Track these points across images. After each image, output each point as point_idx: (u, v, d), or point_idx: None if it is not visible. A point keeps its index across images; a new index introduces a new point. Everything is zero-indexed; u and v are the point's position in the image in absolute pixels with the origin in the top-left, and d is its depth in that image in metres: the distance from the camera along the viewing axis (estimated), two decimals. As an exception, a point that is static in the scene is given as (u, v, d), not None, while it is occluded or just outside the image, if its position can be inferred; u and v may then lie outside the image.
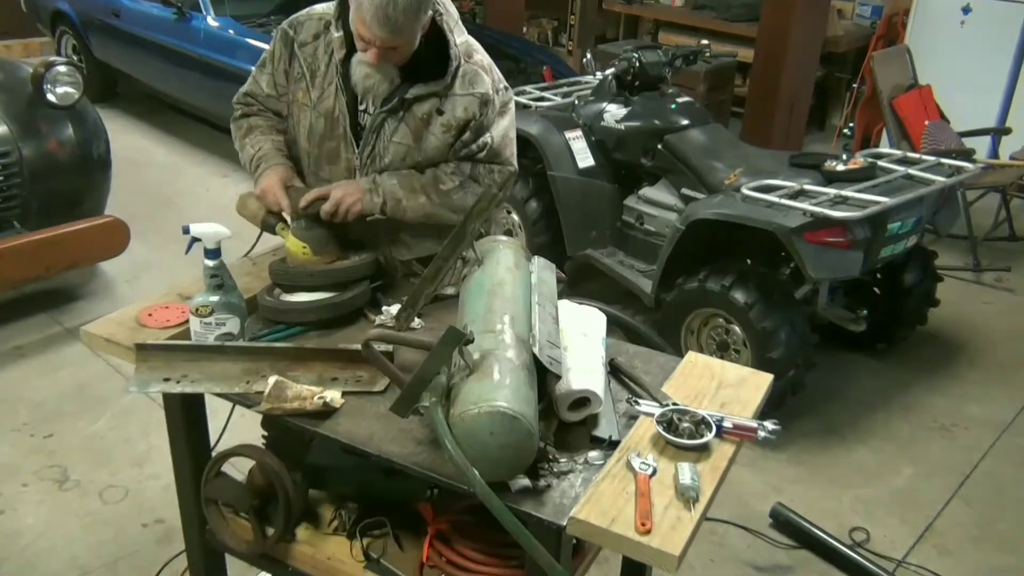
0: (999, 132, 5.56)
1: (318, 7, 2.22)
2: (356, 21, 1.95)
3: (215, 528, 2.02)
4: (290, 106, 2.23)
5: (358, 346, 1.64)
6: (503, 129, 2.22)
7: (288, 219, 2.12)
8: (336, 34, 2.11)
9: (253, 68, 2.33)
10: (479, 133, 2.16)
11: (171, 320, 1.97)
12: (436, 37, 2.09)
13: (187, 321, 1.91)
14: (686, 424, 1.66)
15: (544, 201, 4.18)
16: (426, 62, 2.09)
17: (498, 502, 1.42)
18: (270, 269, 2.10)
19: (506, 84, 2.24)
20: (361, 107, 2.16)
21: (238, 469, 2.08)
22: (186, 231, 1.92)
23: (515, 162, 2.27)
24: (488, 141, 2.18)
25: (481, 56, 2.18)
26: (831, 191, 3.26)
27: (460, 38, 2.13)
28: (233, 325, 1.86)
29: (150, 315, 1.99)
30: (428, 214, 2.17)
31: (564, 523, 1.46)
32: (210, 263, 1.85)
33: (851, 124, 6.23)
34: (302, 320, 2.00)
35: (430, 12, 2.02)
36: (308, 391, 1.71)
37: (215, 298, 1.84)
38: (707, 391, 1.82)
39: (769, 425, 1.66)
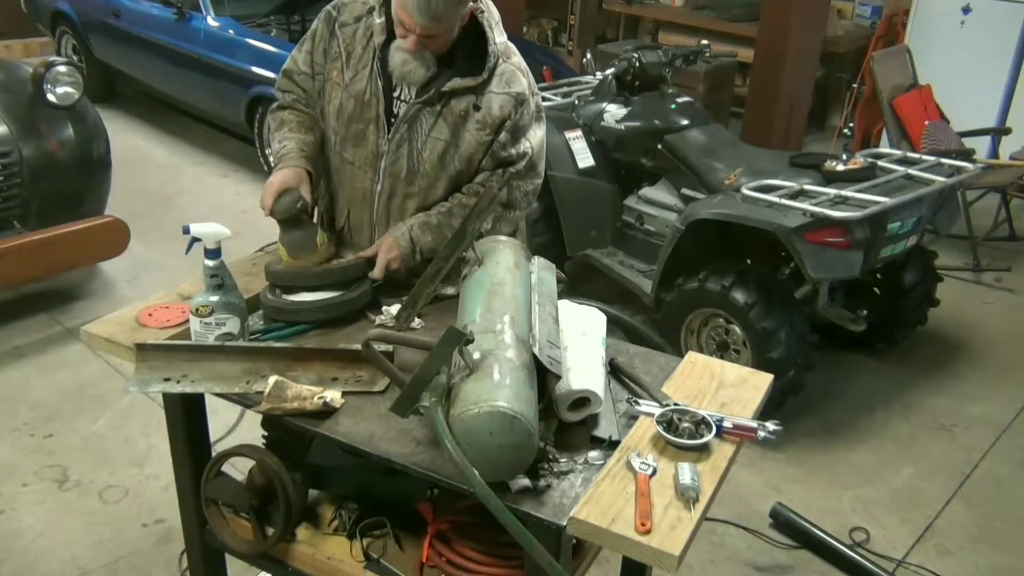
0: (999, 132, 5.56)
1: None
2: (397, 7, 1.98)
3: (215, 528, 2.02)
4: (324, 84, 2.23)
5: (358, 346, 1.64)
6: (540, 139, 2.23)
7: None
8: (378, 20, 2.13)
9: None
10: (516, 135, 2.17)
11: (171, 320, 1.98)
12: (476, 33, 2.11)
13: (187, 321, 1.91)
14: (686, 424, 1.66)
15: (544, 201, 4.17)
16: (465, 58, 2.11)
17: (498, 502, 1.42)
18: (266, 270, 2.10)
19: (538, 91, 2.25)
20: (395, 94, 2.17)
21: (238, 469, 2.09)
22: (186, 231, 1.92)
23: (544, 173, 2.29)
24: (528, 151, 2.19)
25: (519, 59, 2.19)
26: (831, 191, 3.26)
27: (500, 38, 2.14)
28: (233, 325, 1.86)
29: (150, 315, 1.99)
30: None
31: (564, 523, 1.46)
32: (210, 263, 1.85)
33: (851, 124, 6.23)
34: (307, 319, 2.00)
35: (470, 4, 2.04)
36: (308, 391, 1.71)
37: (215, 298, 1.84)
38: (707, 391, 1.82)
39: (770, 426, 1.66)
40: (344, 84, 2.18)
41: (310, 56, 2.25)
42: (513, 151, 2.18)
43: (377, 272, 2.11)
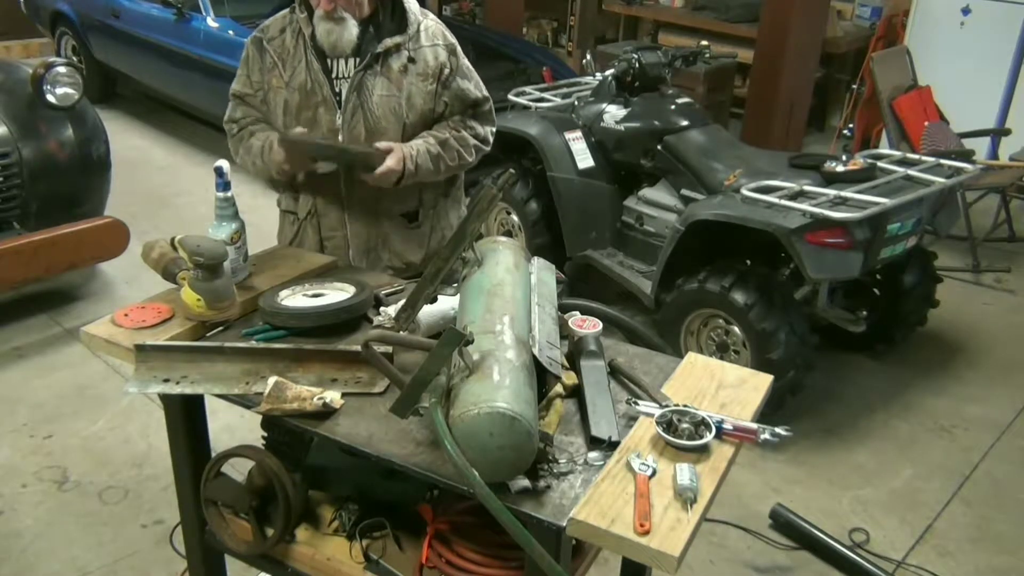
0: (998, 133, 5.56)
1: (278, 14, 2.46)
2: None
3: (215, 529, 2.02)
4: (266, 95, 2.43)
5: (358, 347, 1.64)
6: (477, 81, 2.49)
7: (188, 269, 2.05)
8: (301, 15, 2.33)
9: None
10: (469, 77, 2.44)
11: (147, 320, 1.96)
12: (393, 4, 2.37)
13: (164, 321, 1.97)
14: (685, 425, 1.66)
15: (544, 202, 4.18)
16: (388, 19, 2.36)
17: (498, 503, 1.42)
18: (261, 309, 2.03)
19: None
20: (333, 75, 2.35)
21: (238, 470, 2.08)
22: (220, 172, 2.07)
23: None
24: (480, 95, 2.46)
25: (435, 19, 2.45)
26: (831, 192, 3.26)
27: (415, 6, 2.40)
28: (247, 244, 2.13)
29: (126, 315, 1.98)
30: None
31: (564, 524, 1.46)
32: (229, 193, 2.07)
33: (851, 125, 6.24)
34: (306, 326, 1.97)
35: None
36: (307, 392, 1.71)
37: (236, 224, 2.07)
38: (707, 392, 1.82)
39: (780, 430, 1.65)
40: (285, 83, 2.38)
41: (248, 78, 2.46)
42: (478, 93, 2.46)
43: (380, 171, 2.27)
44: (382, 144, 2.29)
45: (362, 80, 2.33)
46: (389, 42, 2.32)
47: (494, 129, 2.54)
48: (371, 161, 2.27)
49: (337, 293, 2.09)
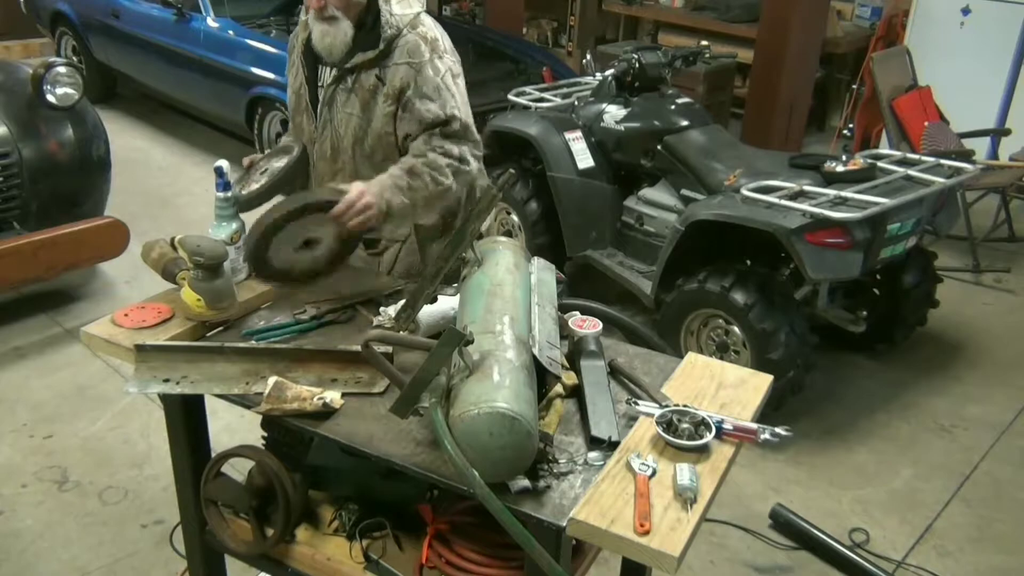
0: (998, 133, 5.56)
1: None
2: None
3: (215, 529, 2.02)
4: None
5: (357, 347, 1.64)
6: (463, 98, 2.29)
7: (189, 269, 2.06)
8: (303, 17, 2.31)
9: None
10: (431, 96, 2.21)
11: (147, 320, 1.97)
12: (373, 15, 2.23)
13: (164, 321, 1.96)
14: (685, 425, 1.66)
15: (544, 202, 4.18)
16: (366, 33, 2.22)
17: (498, 503, 1.42)
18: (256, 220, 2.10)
19: (454, 55, 2.31)
20: (319, 83, 2.32)
21: (238, 470, 2.08)
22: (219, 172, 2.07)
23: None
24: (455, 113, 2.24)
25: (426, 28, 2.25)
26: (831, 192, 3.25)
27: (401, 10, 2.23)
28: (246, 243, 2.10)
29: (126, 315, 1.98)
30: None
31: (564, 524, 1.46)
32: (228, 193, 2.07)
33: (851, 125, 6.24)
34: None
35: None
36: (308, 392, 1.71)
37: (236, 224, 2.07)
38: (707, 392, 1.82)
39: (780, 430, 1.65)
40: (290, 85, 2.41)
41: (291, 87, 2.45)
42: (441, 112, 2.22)
43: (337, 209, 2.05)
44: (342, 186, 2.13)
45: (334, 94, 2.27)
46: (360, 58, 2.21)
47: (475, 149, 2.31)
48: (335, 203, 2.07)
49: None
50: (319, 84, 2.31)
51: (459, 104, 2.27)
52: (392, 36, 2.20)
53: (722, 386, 1.85)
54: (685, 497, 1.50)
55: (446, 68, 2.26)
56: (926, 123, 5.13)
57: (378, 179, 2.17)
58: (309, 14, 2.25)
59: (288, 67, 2.45)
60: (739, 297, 3.34)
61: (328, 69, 2.29)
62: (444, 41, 2.28)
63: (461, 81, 2.31)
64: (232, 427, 3.12)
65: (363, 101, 2.24)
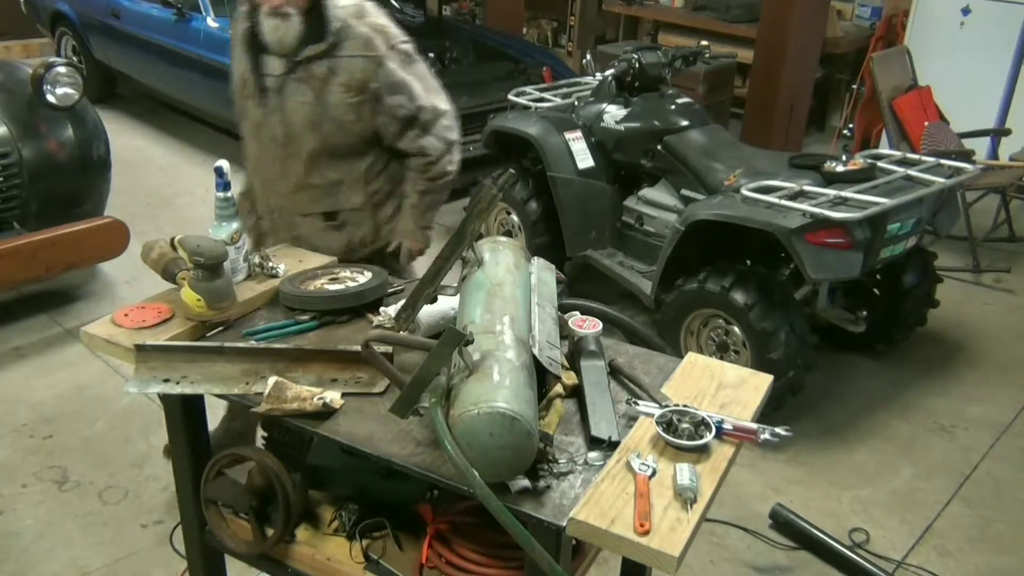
0: (998, 133, 5.56)
1: None
2: None
3: (215, 529, 2.02)
4: None
5: (357, 347, 1.64)
6: (427, 84, 2.45)
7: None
8: (241, 8, 2.43)
9: None
10: (400, 90, 2.38)
11: (147, 320, 1.97)
12: (318, 11, 2.32)
13: (165, 321, 1.96)
14: (685, 425, 1.66)
15: (544, 202, 4.18)
16: (314, 26, 2.32)
17: (498, 503, 1.42)
18: (283, 295, 2.10)
19: (404, 38, 2.43)
20: (262, 71, 2.41)
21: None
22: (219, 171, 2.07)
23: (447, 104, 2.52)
24: (422, 103, 2.42)
25: (374, 18, 2.38)
26: (831, 192, 3.26)
27: (347, 1, 2.35)
28: (247, 243, 2.16)
29: (126, 315, 1.98)
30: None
31: (564, 524, 1.46)
32: (229, 193, 2.07)
33: (851, 125, 6.24)
34: (327, 308, 2.04)
35: None
36: (308, 392, 1.71)
37: (237, 224, 2.08)
38: (707, 392, 1.82)
39: (780, 430, 1.65)
40: (235, 68, 2.51)
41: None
42: (411, 105, 2.40)
43: (404, 260, 2.56)
44: (402, 257, 2.58)
45: (284, 83, 2.37)
46: (311, 50, 2.32)
47: (447, 119, 2.47)
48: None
49: (357, 276, 2.16)
50: (263, 73, 2.41)
51: (421, 91, 2.42)
52: (338, 28, 2.32)
53: (722, 386, 1.85)
54: (685, 497, 1.49)
55: (402, 57, 2.40)
56: (926, 123, 5.13)
57: (408, 223, 2.54)
58: (244, 6, 2.38)
59: (231, 54, 2.57)
60: (739, 297, 3.34)
61: (275, 58, 2.38)
62: (390, 26, 2.42)
63: (419, 63, 2.45)
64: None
65: (315, 90, 2.35)
